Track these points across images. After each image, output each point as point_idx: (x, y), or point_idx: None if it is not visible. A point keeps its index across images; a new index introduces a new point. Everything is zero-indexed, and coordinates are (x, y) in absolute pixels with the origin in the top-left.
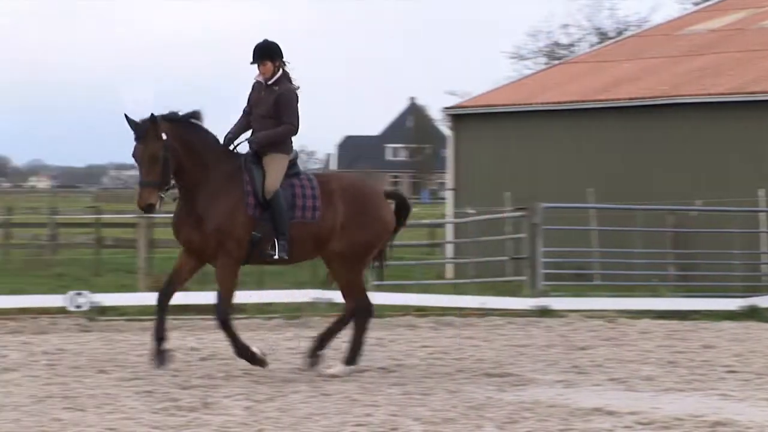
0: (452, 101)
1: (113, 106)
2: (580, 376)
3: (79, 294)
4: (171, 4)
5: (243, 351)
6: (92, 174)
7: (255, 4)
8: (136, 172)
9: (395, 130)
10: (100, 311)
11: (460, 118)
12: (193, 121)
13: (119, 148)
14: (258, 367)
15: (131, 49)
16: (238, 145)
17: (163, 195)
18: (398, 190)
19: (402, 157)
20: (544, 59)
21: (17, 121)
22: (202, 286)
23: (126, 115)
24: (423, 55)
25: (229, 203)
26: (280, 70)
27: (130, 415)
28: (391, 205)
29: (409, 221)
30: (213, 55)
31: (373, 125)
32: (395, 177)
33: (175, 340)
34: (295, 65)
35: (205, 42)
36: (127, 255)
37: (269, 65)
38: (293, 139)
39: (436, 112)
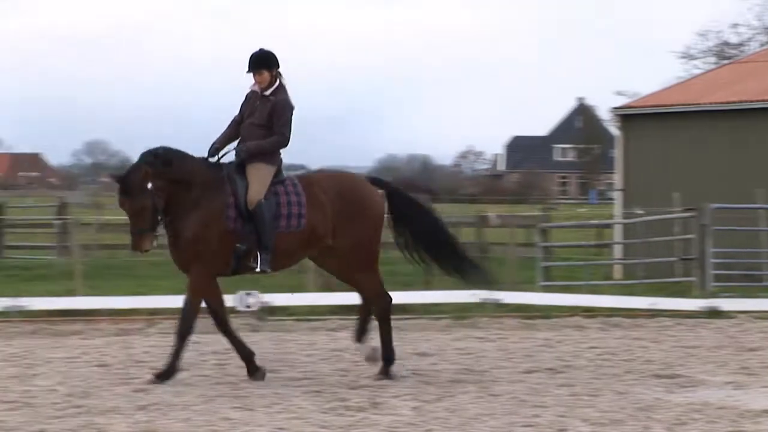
0: (621, 101)
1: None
2: (750, 377)
3: (249, 294)
4: None
5: (172, 367)
6: None
7: (410, 4)
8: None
9: (563, 131)
10: (270, 311)
11: (628, 118)
12: (172, 153)
13: (287, 150)
14: (160, 383)
15: None
16: (224, 154)
17: (156, 234)
18: (382, 178)
19: (570, 157)
20: (713, 59)
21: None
22: None
23: (111, 174)
24: (592, 54)
25: (206, 215)
26: (278, 81)
27: (299, 414)
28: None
29: (578, 221)
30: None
31: (542, 125)
32: (563, 177)
33: (343, 340)
34: (287, 74)
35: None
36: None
37: (266, 75)
38: (282, 150)
39: (604, 113)
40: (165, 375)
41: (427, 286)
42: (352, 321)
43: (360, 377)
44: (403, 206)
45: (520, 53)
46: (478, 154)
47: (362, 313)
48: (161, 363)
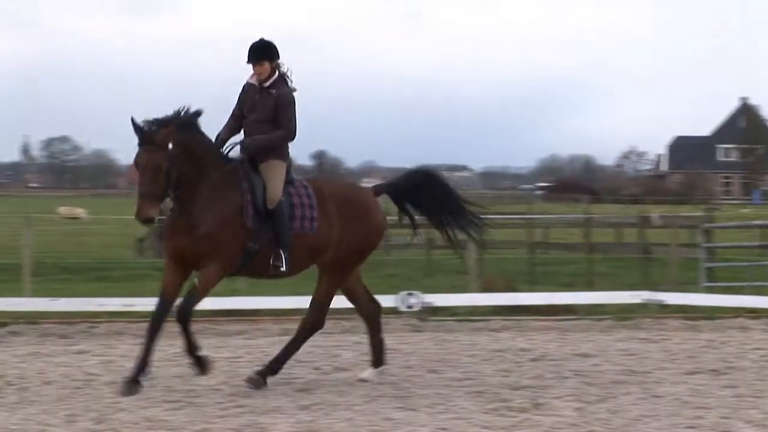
0: None
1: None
2: None
3: (410, 294)
4: None
5: (191, 350)
6: None
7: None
8: (465, 174)
9: (727, 131)
10: (432, 312)
11: None
12: (196, 123)
13: (449, 150)
14: (198, 373)
15: None
16: (230, 149)
17: (161, 206)
18: (384, 183)
19: (733, 157)
20: None
21: (348, 123)
22: (532, 287)
23: (132, 119)
24: (757, 54)
25: (226, 212)
26: (277, 72)
27: (462, 415)
28: (381, 202)
29: (741, 222)
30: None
31: (705, 125)
32: (726, 178)
33: (505, 340)
34: (290, 66)
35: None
36: (458, 256)
37: (266, 66)
38: (289, 144)
39: None
40: (198, 367)
41: (590, 287)
42: (514, 321)
43: (522, 378)
44: (409, 189)
45: (683, 53)
46: (641, 155)
47: (373, 338)
48: (323, 362)
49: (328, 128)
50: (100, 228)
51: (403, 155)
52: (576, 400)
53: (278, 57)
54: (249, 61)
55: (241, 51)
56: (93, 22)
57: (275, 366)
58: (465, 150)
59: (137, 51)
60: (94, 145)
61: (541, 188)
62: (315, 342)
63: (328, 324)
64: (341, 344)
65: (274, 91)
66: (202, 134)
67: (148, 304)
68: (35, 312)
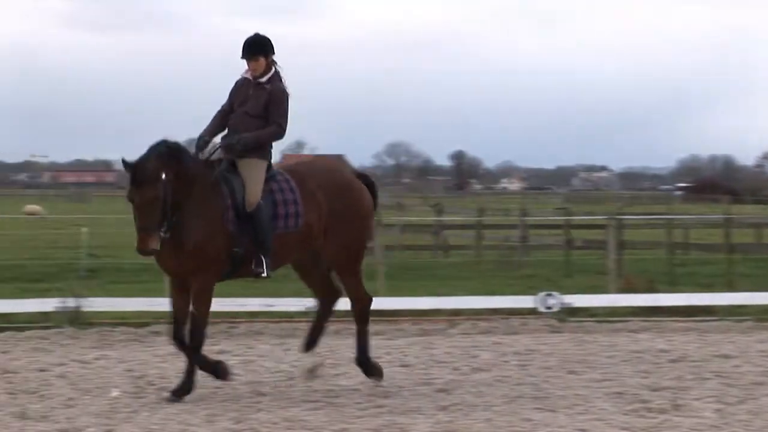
0: None
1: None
2: None
3: (549, 295)
4: None
5: (188, 384)
6: (561, 175)
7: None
8: (603, 175)
9: None
10: (570, 312)
11: None
12: (182, 147)
13: (588, 150)
14: (221, 380)
15: None
16: (215, 149)
17: (162, 234)
18: (364, 171)
19: None
20: None
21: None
22: (672, 288)
23: (123, 160)
24: None
25: (208, 219)
26: (273, 68)
27: (600, 416)
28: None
29: None
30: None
31: None
32: None
33: (644, 341)
34: (283, 63)
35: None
36: (597, 256)
37: (262, 61)
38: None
39: None
40: (181, 391)
41: (730, 287)
42: (653, 322)
43: (662, 379)
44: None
45: None
46: None
47: (317, 321)
48: (462, 363)
49: (467, 129)
50: None
51: (543, 156)
52: (716, 402)
53: (273, 52)
54: (243, 57)
55: (384, 52)
56: (233, 23)
57: (363, 359)
58: (604, 151)
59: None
60: None
61: (681, 189)
62: (453, 343)
63: (466, 325)
64: (479, 345)
65: (268, 86)
66: (189, 155)
67: (288, 304)
68: None
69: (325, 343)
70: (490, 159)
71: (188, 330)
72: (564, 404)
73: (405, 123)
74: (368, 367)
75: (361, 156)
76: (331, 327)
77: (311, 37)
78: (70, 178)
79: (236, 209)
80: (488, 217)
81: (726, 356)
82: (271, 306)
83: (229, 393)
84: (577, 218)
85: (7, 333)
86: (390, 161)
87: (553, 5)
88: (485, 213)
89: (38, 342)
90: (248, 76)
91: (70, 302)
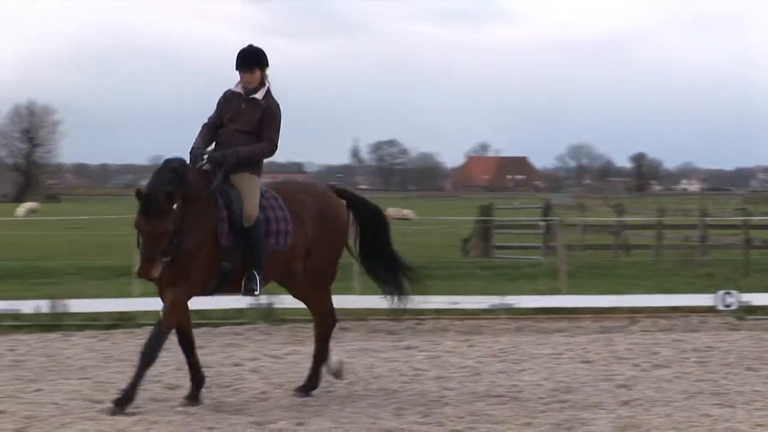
0: None
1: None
2: None
3: (728, 293)
4: None
5: (132, 390)
6: (740, 176)
7: None
8: None
9: None
10: (749, 310)
11: None
12: (186, 166)
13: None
14: (119, 411)
15: None
16: (207, 161)
17: (164, 260)
18: (344, 187)
19: None
20: None
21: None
22: None
23: (137, 191)
24: None
25: (202, 231)
26: (266, 83)
27: None
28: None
29: None
30: None
31: None
32: None
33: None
34: (274, 76)
35: None
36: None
37: (257, 74)
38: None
39: None
40: (123, 401)
41: None
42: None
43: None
44: (366, 218)
45: None
46: None
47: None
48: (642, 359)
49: (647, 131)
50: (426, 228)
51: (722, 157)
52: None
53: (268, 65)
54: (238, 68)
55: (565, 55)
56: (420, 28)
57: (313, 379)
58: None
59: (461, 58)
60: (420, 149)
61: None
62: (634, 340)
63: (647, 323)
64: (659, 342)
65: (263, 101)
66: (191, 171)
67: (473, 302)
68: (364, 309)
69: (508, 340)
70: (670, 161)
71: (146, 338)
72: (742, 400)
73: (586, 125)
74: (312, 386)
75: (543, 158)
76: (513, 324)
77: (491, 40)
78: (265, 179)
79: (231, 223)
80: (668, 217)
81: None
82: (456, 303)
83: (416, 388)
84: (756, 218)
85: (203, 329)
86: (572, 163)
87: (733, 9)
88: (665, 213)
89: (232, 338)
90: (238, 89)
91: (263, 300)
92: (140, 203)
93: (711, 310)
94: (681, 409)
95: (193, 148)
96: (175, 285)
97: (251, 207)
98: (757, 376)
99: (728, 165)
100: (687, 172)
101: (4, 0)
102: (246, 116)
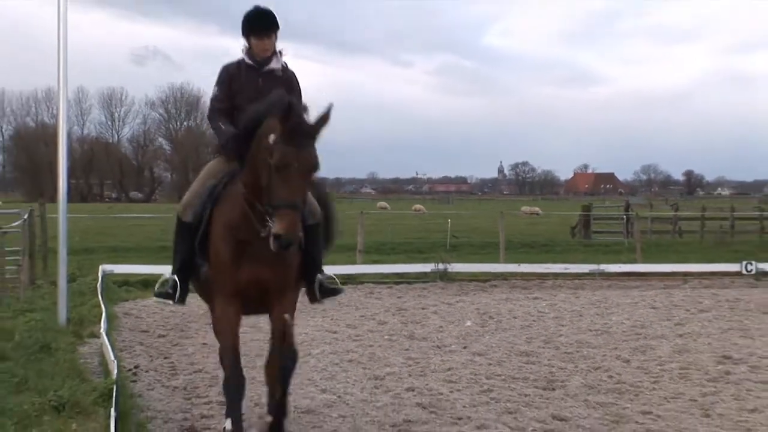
0: None
1: None
2: None
3: (749, 263)
4: None
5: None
6: (758, 185)
7: None
8: None
9: None
10: (764, 275)
11: None
12: None
13: None
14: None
15: None
16: None
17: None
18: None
19: None
20: None
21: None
22: None
23: (288, 103)
24: None
25: None
26: (278, 50)
27: None
28: None
29: None
30: None
31: None
32: None
33: None
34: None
35: None
36: None
37: (273, 39)
38: None
39: None
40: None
41: None
42: None
43: None
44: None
45: None
46: None
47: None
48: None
49: (695, 154)
50: (547, 220)
51: (744, 170)
52: None
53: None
54: (250, 34)
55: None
56: (545, 90)
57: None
58: None
59: (572, 108)
60: (543, 167)
61: None
62: (686, 293)
63: (694, 282)
64: (703, 295)
65: (282, 73)
66: None
67: (578, 268)
68: (507, 272)
69: (601, 294)
70: (709, 174)
71: (280, 369)
72: (759, 334)
73: (654, 150)
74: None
75: (625, 173)
76: (605, 283)
77: (591, 96)
78: (440, 188)
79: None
80: (708, 212)
81: None
82: (567, 269)
83: (541, 324)
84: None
85: (402, 285)
86: (644, 176)
87: None
88: (706, 210)
89: (420, 291)
90: (248, 60)
91: (441, 266)
92: (289, 123)
93: (737, 274)
94: (717, 340)
95: (235, 134)
96: (286, 294)
97: (312, 199)
98: None
99: (749, 177)
100: (721, 182)
101: None
102: (270, 92)
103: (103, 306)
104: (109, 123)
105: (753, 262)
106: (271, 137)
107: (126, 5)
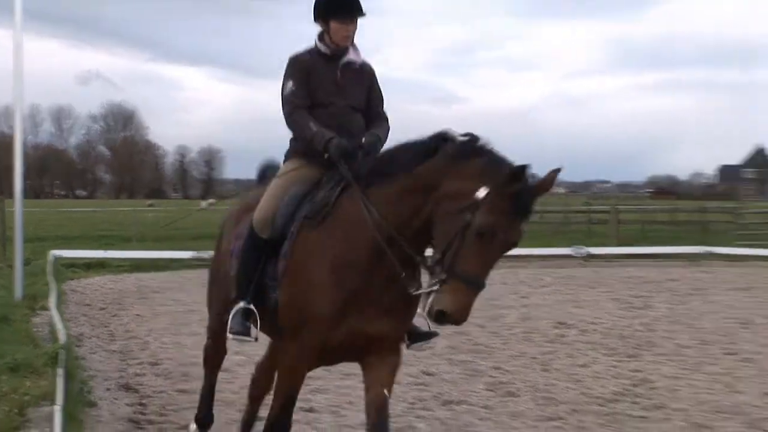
0: None
1: None
2: None
3: None
4: None
5: None
6: None
7: None
8: None
9: None
10: None
11: None
12: None
13: None
14: None
15: None
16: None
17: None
18: None
19: None
20: None
21: None
22: None
23: (518, 169)
24: None
25: None
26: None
27: None
28: None
29: None
30: None
31: None
32: None
33: None
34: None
35: None
36: None
37: (356, 25)
38: None
39: None
40: None
41: None
42: None
43: None
44: None
45: None
46: None
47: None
48: None
49: None
50: None
51: None
52: None
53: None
54: (333, 16)
55: None
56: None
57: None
58: None
59: None
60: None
61: None
62: None
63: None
64: None
65: (360, 66)
66: None
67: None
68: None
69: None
70: None
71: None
72: None
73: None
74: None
75: None
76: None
77: None
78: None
79: None
80: None
81: None
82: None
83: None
84: None
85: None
86: None
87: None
88: None
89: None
90: (324, 50)
91: None
92: (524, 200)
93: (569, 257)
94: (554, 309)
95: (345, 143)
96: (398, 348)
97: None
98: None
99: (579, 178)
100: (557, 183)
101: None
102: (351, 87)
103: (52, 284)
104: (59, 133)
105: (582, 247)
106: (483, 191)
107: (74, 36)
